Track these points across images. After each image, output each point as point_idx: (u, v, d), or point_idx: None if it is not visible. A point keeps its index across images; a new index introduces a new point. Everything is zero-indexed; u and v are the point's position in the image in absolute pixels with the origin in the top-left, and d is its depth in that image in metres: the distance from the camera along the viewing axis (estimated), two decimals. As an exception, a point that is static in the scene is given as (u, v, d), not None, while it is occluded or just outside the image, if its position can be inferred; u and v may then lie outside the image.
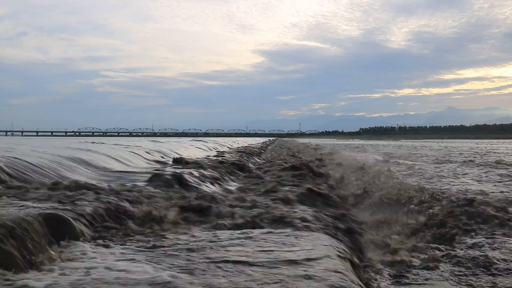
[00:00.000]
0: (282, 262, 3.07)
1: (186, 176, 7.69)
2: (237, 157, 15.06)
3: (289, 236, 3.92)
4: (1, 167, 6.86)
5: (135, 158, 13.53)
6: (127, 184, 6.90)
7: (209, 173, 8.89)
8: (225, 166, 10.82)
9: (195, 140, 34.57)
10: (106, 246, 3.52)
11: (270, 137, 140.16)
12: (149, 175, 7.93)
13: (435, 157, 22.59)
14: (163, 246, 3.53)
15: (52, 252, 3.18)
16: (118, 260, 3.09)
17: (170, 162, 12.75)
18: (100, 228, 4.07)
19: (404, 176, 12.28)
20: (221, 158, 13.98)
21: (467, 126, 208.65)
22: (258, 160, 18.54)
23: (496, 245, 4.92)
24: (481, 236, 5.35)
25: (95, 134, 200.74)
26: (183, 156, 14.22)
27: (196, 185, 7.39)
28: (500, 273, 4.07)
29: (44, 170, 7.86)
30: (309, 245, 3.59)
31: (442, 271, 4.14)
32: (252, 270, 2.90)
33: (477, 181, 11.26)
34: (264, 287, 2.59)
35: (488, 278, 3.98)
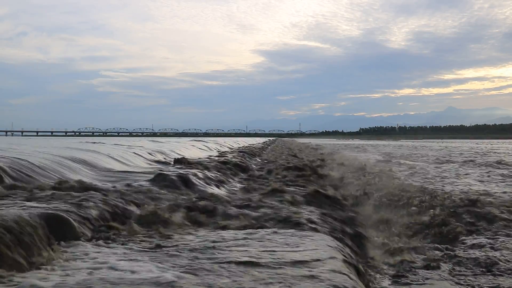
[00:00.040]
0: (286, 263, 3.06)
1: (190, 177, 7.67)
2: (239, 158, 15.05)
3: (294, 236, 3.90)
4: (2, 168, 6.84)
5: (138, 158, 13.55)
6: (130, 185, 6.85)
7: (213, 174, 8.88)
8: (228, 167, 10.83)
9: (196, 140, 34.55)
10: (109, 247, 3.51)
11: (270, 137, 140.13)
12: (152, 175, 7.90)
13: (436, 157, 22.60)
14: (168, 246, 3.52)
15: (53, 253, 3.16)
16: (122, 260, 3.07)
17: (172, 163, 12.75)
18: (103, 228, 4.05)
19: (406, 176, 12.27)
20: (223, 158, 13.98)
21: (467, 126, 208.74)
22: (260, 160, 18.54)
23: (498, 246, 4.91)
24: (483, 236, 5.34)
25: (95, 134, 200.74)
26: (185, 157, 14.22)
27: (201, 186, 7.36)
28: (501, 273, 4.06)
29: (46, 170, 7.84)
30: (314, 246, 3.57)
31: (443, 271, 4.13)
32: (256, 271, 2.88)
33: (479, 181, 11.25)
34: (268, 287, 2.57)
35: (489, 278, 3.97)
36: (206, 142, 32.00)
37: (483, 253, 4.61)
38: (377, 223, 6.28)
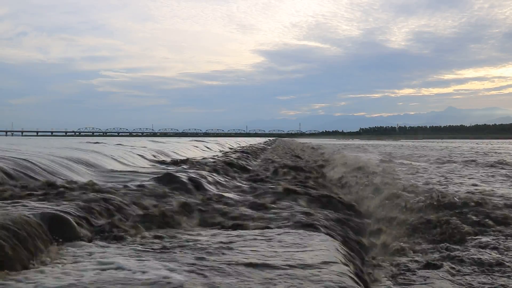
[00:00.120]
0: (295, 264, 3.06)
1: (198, 178, 7.65)
2: (243, 158, 15.10)
3: (303, 238, 3.90)
4: (2, 168, 6.82)
5: (141, 159, 13.59)
6: (136, 185, 6.82)
7: (219, 175, 8.88)
8: (233, 169, 10.85)
9: (196, 141, 34.56)
10: (116, 247, 3.49)
11: (270, 137, 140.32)
12: (157, 176, 7.87)
13: (436, 157, 22.58)
14: (176, 247, 3.50)
15: (54, 253, 3.15)
16: (129, 261, 3.05)
17: (176, 163, 12.78)
18: (108, 228, 4.02)
19: (409, 176, 12.26)
20: (227, 159, 13.99)
21: (467, 126, 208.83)
22: (263, 160, 18.56)
23: (502, 246, 4.88)
24: (486, 236, 5.31)
25: (95, 134, 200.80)
26: (188, 157, 14.26)
27: (208, 187, 7.35)
28: (502, 274, 4.03)
29: (47, 171, 7.82)
30: (321, 248, 3.58)
31: (444, 271, 4.10)
32: (264, 272, 2.87)
33: (482, 181, 11.24)
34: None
35: (489, 278, 3.94)
36: (207, 142, 32.01)
37: (489, 254, 4.58)
38: (381, 222, 6.26)
